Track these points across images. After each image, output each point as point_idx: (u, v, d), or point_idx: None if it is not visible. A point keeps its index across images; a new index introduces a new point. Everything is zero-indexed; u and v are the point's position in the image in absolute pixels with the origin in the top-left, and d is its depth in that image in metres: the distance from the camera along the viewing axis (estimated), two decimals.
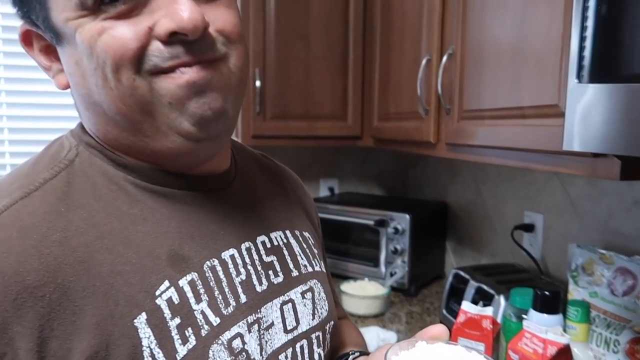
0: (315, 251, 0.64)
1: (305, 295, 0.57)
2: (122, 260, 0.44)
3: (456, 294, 1.32)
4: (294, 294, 0.56)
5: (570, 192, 1.28)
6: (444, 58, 1.18)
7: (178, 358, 0.43)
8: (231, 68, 0.46)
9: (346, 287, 1.53)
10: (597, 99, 0.63)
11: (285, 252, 0.57)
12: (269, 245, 0.55)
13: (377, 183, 2.18)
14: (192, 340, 0.44)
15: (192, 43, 0.42)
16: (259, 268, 0.53)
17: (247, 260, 0.52)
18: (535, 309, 0.99)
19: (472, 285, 1.25)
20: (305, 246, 0.61)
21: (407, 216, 1.62)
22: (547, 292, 0.98)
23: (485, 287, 1.21)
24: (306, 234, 0.64)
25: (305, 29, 1.71)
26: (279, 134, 1.73)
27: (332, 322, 0.61)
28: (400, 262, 1.64)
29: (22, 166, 0.48)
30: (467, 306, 0.93)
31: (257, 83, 1.68)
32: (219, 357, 0.45)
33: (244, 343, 0.48)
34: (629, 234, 1.12)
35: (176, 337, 0.44)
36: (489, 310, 0.93)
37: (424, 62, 1.27)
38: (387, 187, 2.19)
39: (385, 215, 1.67)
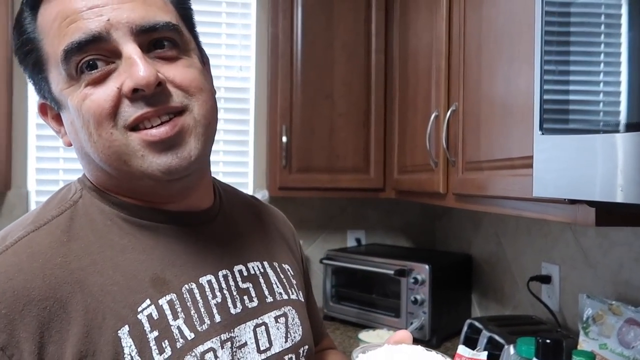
0: (294, 282, 0.69)
1: (278, 319, 0.63)
2: (111, 281, 0.52)
3: (470, 344, 1.32)
4: (268, 318, 0.62)
5: (582, 243, 1.28)
6: (448, 113, 1.25)
7: None
8: (196, 117, 0.54)
9: (364, 335, 1.55)
10: (554, 148, 0.68)
11: (261, 280, 0.64)
12: (245, 274, 0.62)
13: (404, 235, 2.22)
14: (168, 351, 0.51)
15: (152, 97, 0.51)
16: (235, 293, 0.59)
17: (224, 285, 0.59)
18: (537, 357, 0.99)
19: (485, 335, 1.25)
20: (282, 276, 0.68)
21: (427, 266, 1.65)
22: (548, 340, 0.98)
23: (496, 337, 1.22)
24: (285, 266, 0.70)
25: (329, 88, 1.83)
26: (304, 185, 1.83)
27: (306, 346, 0.66)
28: (421, 313, 1.65)
29: (38, 207, 0.59)
30: (462, 350, 0.95)
31: (284, 139, 1.81)
32: None
33: (216, 357, 0.54)
34: (638, 285, 1.10)
35: (154, 347, 0.51)
36: (483, 355, 0.94)
37: (432, 117, 1.35)
38: (414, 238, 2.21)
39: (405, 265, 1.69)
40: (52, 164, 1.98)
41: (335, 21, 1.83)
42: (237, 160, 2.09)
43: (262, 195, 2.01)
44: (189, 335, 0.53)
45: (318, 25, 1.82)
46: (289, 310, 0.65)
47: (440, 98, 1.33)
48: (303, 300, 0.70)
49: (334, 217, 2.16)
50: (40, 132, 1.97)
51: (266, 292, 0.63)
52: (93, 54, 0.51)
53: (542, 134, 0.71)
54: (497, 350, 1.19)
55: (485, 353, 0.95)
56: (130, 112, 0.51)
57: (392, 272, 1.69)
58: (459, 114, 1.21)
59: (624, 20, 0.60)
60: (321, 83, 1.83)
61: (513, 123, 0.96)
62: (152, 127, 0.52)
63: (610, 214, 0.75)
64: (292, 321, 0.65)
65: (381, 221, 2.19)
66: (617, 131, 0.59)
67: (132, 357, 0.50)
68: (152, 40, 0.53)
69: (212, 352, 0.54)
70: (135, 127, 0.52)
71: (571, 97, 0.68)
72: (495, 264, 1.70)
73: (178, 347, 0.52)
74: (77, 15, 0.51)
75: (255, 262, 0.65)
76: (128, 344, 0.50)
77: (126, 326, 0.51)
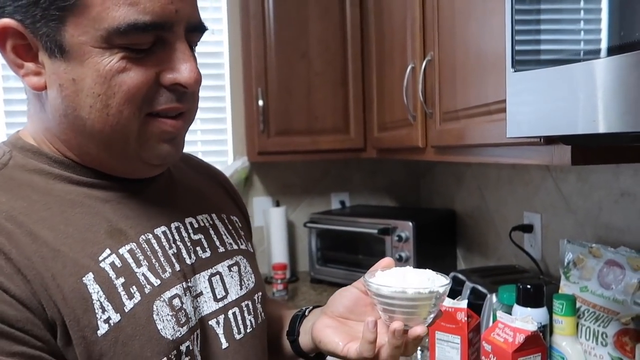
0: (242, 233, 0.71)
1: (231, 268, 0.64)
2: (65, 235, 0.51)
3: (454, 296, 1.32)
4: (221, 267, 0.63)
5: (562, 189, 1.27)
6: (424, 64, 1.22)
7: (126, 310, 0.50)
8: (191, 120, 0.57)
9: None
10: (527, 85, 0.66)
11: (212, 232, 0.65)
12: (196, 226, 0.63)
13: (388, 194, 2.21)
14: (138, 296, 0.52)
15: (184, 93, 0.54)
16: (188, 244, 0.60)
17: (177, 237, 0.59)
18: (518, 303, 1.00)
19: (468, 286, 1.25)
20: (231, 227, 0.69)
21: (410, 224, 1.64)
22: (528, 286, 0.98)
23: (479, 287, 1.22)
24: (233, 218, 0.71)
25: (305, 47, 1.78)
26: (283, 149, 1.79)
27: (260, 293, 0.68)
28: None
29: None
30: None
31: (260, 102, 1.76)
32: (162, 311, 0.53)
33: (182, 302, 0.55)
34: (618, 227, 1.10)
35: (122, 293, 0.51)
36: (463, 303, 0.94)
37: (408, 69, 1.31)
38: (399, 198, 2.20)
39: (389, 223, 1.69)
40: None
41: None
42: (215, 128, 2.04)
43: (242, 162, 1.98)
44: (155, 281, 0.54)
45: None
46: (240, 259, 0.66)
47: (415, 49, 1.29)
48: (252, 250, 0.72)
49: (317, 181, 2.14)
50: (9, 108, 1.90)
51: (217, 243, 0.64)
52: (147, 39, 0.50)
53: (515, 71, 0.69)
54: (480, 300, 1.19)
55: (465, 301, 0.95)
56: (162, 101, 0.53)
57: (375, 231, 1.69)
58: (435, 64, 1.18)
59: None
60: (296, 42, 1.78)
61: (488, 67, 0.93)
62: (167, 117, 0.54)
63: (586, 152, 0.73)
64: (245, 269, 0.66)
65: (365, 182, 2.18)
66: (594, 58, 0.56)
67: (101, 302, 0.49)
68: (190, 41, 0.55)
69: (178, 297, 0.55)
70: (157, 113, 0.53)
71: (542, 28, 0.65)
72: (478, 217, 1.70)
73: (147, 292, 0.53)
74: None
75: (204, 215, 0.65)
76: (95, 289, 0.50)
77: (90, 273, 0.50)
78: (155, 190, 0.61)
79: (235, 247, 0.67)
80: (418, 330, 0.55)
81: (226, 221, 0.69)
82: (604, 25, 0.57)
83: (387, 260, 0.61)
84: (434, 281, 0.57)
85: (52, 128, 0.55)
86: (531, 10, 0.67)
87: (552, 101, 0.63)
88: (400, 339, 0.55)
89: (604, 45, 0.56)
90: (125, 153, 0.54)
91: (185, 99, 0.54)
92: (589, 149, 0.73)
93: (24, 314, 0.46)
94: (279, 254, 1.94)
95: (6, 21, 0.50)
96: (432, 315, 0.57)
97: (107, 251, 0.52)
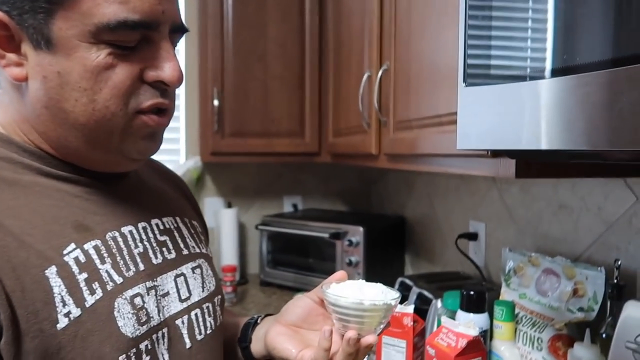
0: (202, 237, 0.73)
1: (195, 270, 0.65)
2: (31, 225, 0.50)
3: (401, 301, 1.35)
4: (185, 269, 0.64)
5: (506, 200, 1.33)
6: (380, 73, 1.24)
7: (87, 305, 0.50)
8: (170, 116, 0.58)
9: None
10: (477, 100, 0.69)
11: (176, 234, 0.66)
12: (162, 227, 0.64)
13: (340, 199, 2.23)
14: (99, 292, 0.52)
15: (166, 90, 0.56)
16: (154, 245, 0.61)
17: (144, 237, 0.60)
18: (462, 308, 1.03)
19: (414, 292, 1.29)
20: (193, 232, 0.70)
21: (361, 229, 1.67)
22: (471, 292, 1.02)
23: (425, 292, 1.25)
24: (194, 223, 0.72)
25: (263, 50, 1.78)
26: (237, 150, 1.78)
27: (219, 296, 0.69)
28: (355, 274, 1.67)
29: None
30: None
31: (216, 102, 1.74)
32: (123, 309, 0.53)
33: (143, 302, 0.55)
34: (555, 237, 1.17)
35: (84, 288, 0.51)
36: (409, 308, 0.97)
37: (365, 77, 1.34)
38: (351, 203, 2.23)
39: (340, 228, 1.71)
40: None
41: None
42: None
43: (195, 162, 1.94)
44: (118, 279, 0.54)
45: None
46: (202, 262, 0.68)
47: (372, 58, 1.32)
48: (211, 255, 0.73)
49: (270, 184, 2.13)
50: None
51: (181, 245, 0.65)
52: (134, 36, 0.51)
53: (466, 85, 0.72)
54: (426, 305, 1.23)
55: (412, 307, 0.98)
56: (148, 96, 0.54)
57: (327, 235, 1.70)
58: (391, 73, 1.21)
59: None
60: (254, 44, 1.77)
61: (441, 79, 0.97)
62: (152, 112, 0.55)
63: (529, 166, 0.77)
64: (206, 272, 0.68)
65: (318, 186, 2.19)
66: (539, 78, 0.60)
67: (62, 296, 0.49)
68: (172, 41, 0.56)
69: (139, 297, 0.55)
70: (141, 110, 0.54)
71: (493, 44, 0.68)
72: (427, 224, 1.75)
73: (109, 289, 0.53)
74: None
75: (169, 217, 0.66)
76: (57, 283, 0.49)
77: (53, 266, 0.49)
78: (124, 189, 0.61)
79: (197, 250, 0.68)
80: (370, 339, 0.58)
81: (188, 225, 0.70)
82: (549, 47, 0.60)
83: (340, 273, 0.65)
84: (386, 294, 0.60)
85: (29, 119, 0.54)
86: (483, 26, 0.70)
87: (500, 116, 0.66)
88: (354, 347, 0.58)
89: (548, 67, 0.60)
90: (106, 147, 0.55)
91: (167, 96, 0.56)
92: (532, 163, 0.77)
93: None
94: (228, 255, 1.92)
95: None
96: (382, 326, 0.60)
97: (72, 245, 0.52)
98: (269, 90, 1.79)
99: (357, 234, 1.67)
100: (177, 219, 0.67)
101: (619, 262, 0.93)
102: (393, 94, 1.20)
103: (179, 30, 0.56)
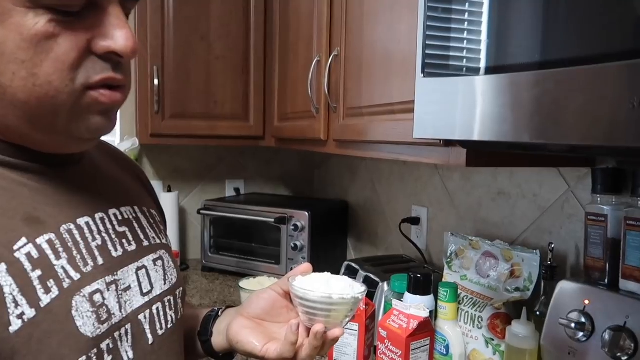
0: (161, 227, 0.70)
1: (156, 262, 0.62)
2: None
3: None
4: (147, 261, 0.61)
5: (448, 186, 1.39)
6: (330, 59, 1.24)
7: (42, 305, 0.46)
8: (126, 92, 0.53)
9: (244, 283, 1.54)
10: (433, 91, 0.71)
11: (135, 225, 0.62)
12: (120, 218, 0.60)
13: (283, 184, 2.22)
14: (55, 291, 0.47)
15: (120, 63, 0.50)
16: (113, 236, 0.57)
17: (102, 228, 0.56)
18: (409, 291, 1.07)
19: (361, 275, 1.31)
20: (152, 221, 0.67)
21: (307, 213, 1.67)
22: (419, 275, 1.06)
23: (372, 275, 1.28)
24: (153, 212, 0.69)
25: (205, 28, 1.71)
26: (179, 133, 1.72)
27: (181, 288, 0.67)
28: (300, 258, 1.68)
29: None
30: (399, 305, 0.99)
31: (156, 81, 1.66)
32: (82, 307, 0.49)
33: (103, 299, 0.52)
34: (494, 222, 1.24)
35: (38, 287, 0.46)
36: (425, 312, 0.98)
37: (314, 63, 1.33)
38: (293, 187, 2.23)
39: (285, 213, 1.70)
40: None
41: None
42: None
43: (132, 143, 1.85)
44: (75, 275, 0.50)
45: None
46: (163, 253, 0.65)
47: (322, 43, 1.31)
48: (170, 245, 0.71)
49: (211, 167, 2.08)
50: None
51: (142, 236, 0.62)
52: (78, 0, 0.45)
53: (424, 77, 0.73)
54: (372, 288, 1.26)
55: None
56: (98, 70, 0.48)
57: (272, 220, 1.70)
58: (341, 60, 1.21)
59: None
60: (196, 22, 1.70)
61: (394, 69, 0.98)
62: (105, 87, 0.49)
63: (478, 155, 0.80)
64: (168, 264, 0.65)
65: (260, 171, 2.17)
66: (493, 73, 0.62)
67: (14, 296, 0.45)
68: (124, 8, 0.50)
69: (99, 293, 0.51)
70: (90, 86, 0.48)
71: (452, 37, 0.70)
72: (370, 209, 1.79)
73: (65, 287, 0.48)
74: None
75: (127, 207, 0.62)
76: (8, 282, 0.45)
77: (2, 264, 0.45)
78: (78, 176, 0.56)
79: (157, 241, 0.64)
80: (337, 332, 0.58)
81: (147, 214, 0.66)
82: (503, 44, 0.63)
83: (306, 266, 0.64)
84: (353, 287, 0.61)
85: None
86: (442, 18, 0.71)
87: (455, 107, 0.68)
88: (321, 340, 0.58)
89: (485, 64, 0.63)
90: (52, 127, 0.49)
91: (121, 70, 0.50)
92: (481, 153, 0.80)
93: None
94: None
95: None
96: (347, 319, 0.61)
97: (24, 240, 0.47)
98: (212, 71, 1.73)
99: (302, 218, 1.67)
100: (136, 208, 0.64)
101: (552, 246, 1.00)
102: (343, 81, 1.20)
103: None
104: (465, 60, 0.70)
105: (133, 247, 0.59)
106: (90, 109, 0.49)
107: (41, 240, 0.48)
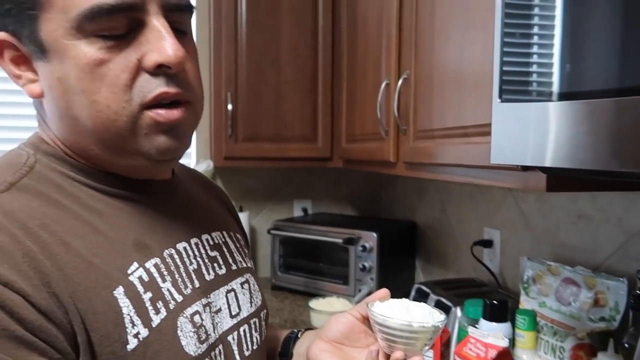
0: (246, 251, 0.73)
1: (243, 285, 0.66)
2: (96, 245, 0.49)
3: None
4: (235, 284, 0.64)
5: (522, 208, 1.34)
6: (400, 82, 1.25)
7: (153, 325, 0.50)
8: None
9: (314, 303, 1.56)
10: (512, 116, 0.69)
11: (225, 249, 0.66)
12: (211, 243, 0.64)
13: (350, 204, 2.24)
14: (164, 312, 0.51)
15: (173, 77, 0.50)
16: (206, 260, 0.61)
17: (197, 252, 0.60)
18: (485, 318, 1.04)
19: (432, 299, 1.29)
20: (238, 245, 0.70)
21: (375, 234, 1.67)
22: (495, 302, 1.03)
23: (444, 300, 1.26)
24: (238, 236, 0.73)
25: (276, 54, 1.78)
26: (250, 155, 1.78)
27: (265, 311, 0.70)
28: (368, 279, 1.68)
29: None
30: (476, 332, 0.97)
31: (229, 106, 1.74)
32: (185, 327, 0.53)
33: (202, 319, 0.55)
34: (573, 246, 1.18)
35: (150, 308, 0.50)
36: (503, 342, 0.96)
37: (383, 85, 1.34)
38: (360, 207, 2.24)
39: (353, 233, 1.71)
40: None
41: None
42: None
43: (207, 165, 1.94)
44: (178, 297, 0.54)
45: None
46: (249, 277, 0.68)
47: (391, 66, 1.32)
48: (254, 268, 0.74)
49: (280, 187, 2.14)
50: None
51: (230, 260, 0.65)
52: (119, 22, 0.47)
53: (501, 101, 0.72)
54: (444, 312, 1.23)
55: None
56: (151, 87, 0.49)
57: (340, 240, 1.71)
58: (411, 82, 1.21)
59: None
60: (267, 48, 1.77)
61: (467, 91, 0.97)
62: (162, 106, 0.50)
63: (559, 180, 0.78)
64: (253, 287, 0.68)
65: (327, 191, 2.20)
66: (574, 99, 0.61)
67: (130, 317, 0.49)
68: (173, 22, 0.51)
69: (198, 314, 0.55)
70: (147, 105, 0.50)
71: (531, 62, 0.69)
72: (439, 230, 1.76)
73: (171, 308, 0.52)
74: None
75: (217, 232, 0.66)
76: (125, 304, 0.49)
77: (120, 287, 0.49)
78: (174, 204, 0.61)
79: (244, 264, 0.68)
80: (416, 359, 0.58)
81: (234, 239, 0.70)
82: (586, 70, 0.61)
83: (383, 292, 0.64)
84: (433, 315, 0.61)
85: (59, 134, 0.54)
86: (520, 43, 0.70)
87: (536, 133, 0.67)
88: None
89: (558, 90, 0.61)
90: (123, 149, 0.52)
91: (177, 83, 0.50)
92: (562, 178, 0.78)
93: (46, 325, 0.44)
94: None
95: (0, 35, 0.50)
96: (427, 347, 0.60)
97: (135, 264, 0.51)
98: (281, 95, 1.79)
99: (370, 239, 1.67)
100: (224, 233, 0.68)
101: None
102: (413, 103, 1.21)
103: (177, 8, 0.51)
104: (542, 85, 0.68)
105: (223, 270, 0.63)
106: (152, 129, 0.50)
107: (149, 265, 0.52)
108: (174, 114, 0.50)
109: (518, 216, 1.36)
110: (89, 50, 0.47)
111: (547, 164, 0.66)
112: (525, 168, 0.80)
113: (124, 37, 0.48)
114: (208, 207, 0.69)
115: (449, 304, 1.23)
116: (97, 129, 0.50)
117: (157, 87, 0.49)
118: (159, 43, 0.48)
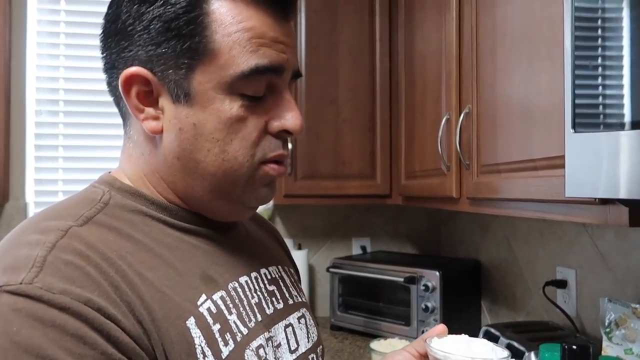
0: (299, 285, 0.73)
1: (300, 320, 0.66)
2: (167, 276, 0.52)
3: None
4: (293, 318, 0.64)
5: (599, 246, 1.26)
6: (461, 117, 1.23)
7: (223, 357, 0.51)
8: (288, 164, 0.57)
9: (376, 345, 1.50)
10: (587, 147, 0.66)
11: (281, 284, 0.66)
12: (269, 277, 0.64)
13: (409, 241, 2.19)
14: (232, 344, 0.52)
15: (287, 140, 0.58)
16: (265, 295, 0.62)
17: (257, 287, 0.61)
18: None
19: (502, 342, 1.22)
20: (292, 280, 0.71)
21: (437, 273, 1.62)
22: (574, 347, 0.95)
23: (515, 343, 1.19)
24: (292, 271, 0.73)
25: (334, 93, 1.81)
26: (309, 193, 1.80)
27: (321, 346, 0.69)
28: (432, 320, 1.61)
29: (51, 210, 0.54)
30: None
31: (290, 145, 1.78)
32: None
33: (265, 353, 0.56)
34: None
35: (219, 339, 0.52)
36: None
37: (443, 121, 1.33)
38: (420, 245, 2.18)
39: (415, 272, 1.66)
40: (51, 175, 1.95)
41: (339, 25, 1.81)
42: None
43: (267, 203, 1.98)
44: (244, 330, 0.55)
45: (322, 30, 1.81)
46: (304, 311, 0.68)
47: (451, 101, 1.31)
48: (308, 303, 0.74)
49: (338, 225, 2.13)
50: (39, 142, 1.93)
51: (287, 295, 0.66)
52: (262, 85, 0.54)
53: (575, 132, 0.69)
54: (517, 357, 1.16)
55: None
56: (272, 147, 0.56)
57: (402, 279, 1.66)
58: (473, 117, 1.19)
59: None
60: (326, 88, 1.81)
61: (533, 123, 0.94)
62: (274, 163, 0.57)
63: None
64: (310, 322, 0.68)
65: (386, 228, 2.16)
66: (632, 128, 0.57)
67: (202, 347, 0.50)
68: None
69: (262, 348, 0.56)
70: (265, 161, 0.56)
71: (604, 94, 0.66)
72: (505, 269, 1.68)
73: (238, 340, 0.53)
74: (269, 42, 0.53)
75: (273, 267, 0.67)
76: (197, 334, 0.50)
77: (192, 317, 0.51)
78: (235, 239, 0.63)
79: (299, 299, 0.68)
80: None
81: (288, 273, 0.70)
82: None
83: (441, 327, 0.63)
84: (496, 352, 0.58)
85: (159, 170, 0.57)
86: (592, 75, 0.68)
87: (614, 164, 0.63)
88: None
89: None
90: (229, 196, 0.56)
91: (286, 146, 0.58)
92: None
93: (138, 350, 0.46)
94: None
95: (136, 69, 0.53)
96: None
97: (204, 296, 0.53)
98: (340, 133, 1.81)
99: (433, 278, 1.62)
100: (280, 267, 0.68)
101: None
102: (476, 137, 1.18)
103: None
104: (613, 115, 0.65)
105: (281, 305, 0.63)
106: (262, 181, 0.56)
107: (216, 297, 0.54)
108: (282, 169, 0.57)
109: (595, 254, 1.27)
110: (232, 106, 0.53)
111: (622, 195, 0.62)
112: (604, 201, 0.76)
113: (260, 99, 0.54)
114: (263, 242, 0.71)
115: (522, 348, 1.15)
116: (217, 174, 0.55)
117: (277, 148, 0.56)
118: (288, 113, 0.55)
